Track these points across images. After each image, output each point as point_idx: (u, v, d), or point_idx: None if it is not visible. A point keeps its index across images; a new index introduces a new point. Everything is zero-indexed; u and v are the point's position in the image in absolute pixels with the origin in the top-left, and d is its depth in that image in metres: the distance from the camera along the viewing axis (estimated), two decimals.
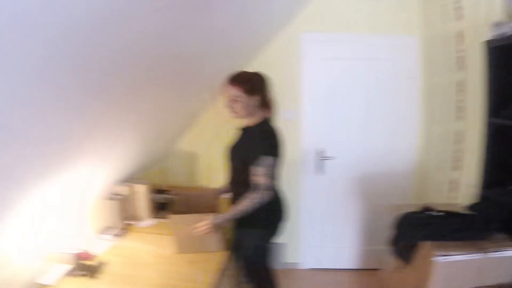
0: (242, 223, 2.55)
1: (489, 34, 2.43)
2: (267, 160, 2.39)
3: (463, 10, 2.99)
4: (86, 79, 1.49)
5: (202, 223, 2.40)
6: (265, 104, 2.55)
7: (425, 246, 2.23)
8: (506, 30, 2.28)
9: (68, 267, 2.25)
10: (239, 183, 2.53)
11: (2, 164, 1.46)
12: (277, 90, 3.14)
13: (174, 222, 2.49)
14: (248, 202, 2.37)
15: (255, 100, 2.47)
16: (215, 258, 2.47)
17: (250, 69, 2.68)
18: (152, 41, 1.79)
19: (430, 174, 3.76)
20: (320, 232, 4.13)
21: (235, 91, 2.43)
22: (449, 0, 3.15)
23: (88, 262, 2.34)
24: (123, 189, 2.94)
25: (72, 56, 1.26)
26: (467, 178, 2.98)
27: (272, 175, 2.46)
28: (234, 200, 2.55)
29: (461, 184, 3.11)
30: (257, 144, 2.45)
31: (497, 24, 2.38)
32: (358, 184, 4.03)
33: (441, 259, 2.07)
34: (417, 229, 2.36)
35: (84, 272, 2.25)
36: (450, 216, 2.46)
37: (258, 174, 2.38)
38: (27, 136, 1.46)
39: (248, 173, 2.43)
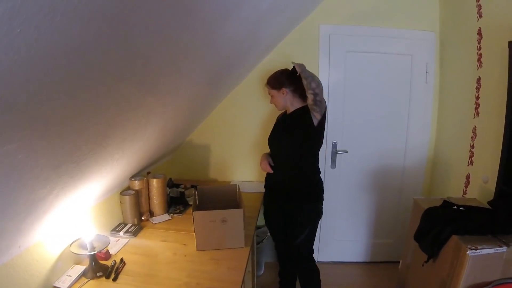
0: (297, 197, 2.93)
1: None
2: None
3: (483, 8, 2.97)
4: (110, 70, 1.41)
5: None
6: (299, 94, 2.89)
7: (455, 241, 2.21)
8: None
9: (84, 268, 2.15)
10: (290, 162, 2.93)
11: (33, 164, 1.41)
12: None
13: (197, 218, 2.39)
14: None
15: (284, 92, 2.88)
16: (238, 255, 2.39)
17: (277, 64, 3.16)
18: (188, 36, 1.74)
19: (444, 169, 3.77)
20: (332, 225, 4.09)
21: (269, 89, 2.98)
22: None
23: (105, 262, 2.25)
24: (137, 184, 2.84)
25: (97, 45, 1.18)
26: (481, 174, 3.00)
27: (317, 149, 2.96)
28: (284, 179, 2.97)
29: (476, 179, 3.11)
30: (308, 117, 2.79)
31: None
32: (370, 178, 4.02)
33: (473, 252, 2.06)
34: (445, 224, 2.34)
35: (101, 273, 2.14)
36: (473, 212, 2.47)
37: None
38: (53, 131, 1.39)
39: (298, 150, 2.87)
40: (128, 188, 2.86)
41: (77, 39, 1.05)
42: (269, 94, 2.99)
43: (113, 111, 1.70)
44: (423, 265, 2.49)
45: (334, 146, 3.89)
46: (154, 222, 2.87)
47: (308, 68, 3.24)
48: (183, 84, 2.29)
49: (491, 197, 2.65)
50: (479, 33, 3.01)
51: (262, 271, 3.97)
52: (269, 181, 3.12)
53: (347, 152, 3.92)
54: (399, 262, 3.17)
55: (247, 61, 3.40)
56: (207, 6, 1.65)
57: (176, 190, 3.35)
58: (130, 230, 2.65)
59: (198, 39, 1.89)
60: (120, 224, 2.73)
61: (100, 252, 2.21)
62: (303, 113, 2.83)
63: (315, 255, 3.13)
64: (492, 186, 2.68)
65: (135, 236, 2.63)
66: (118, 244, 2.49)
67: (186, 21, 1.59)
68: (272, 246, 3.97)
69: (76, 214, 2.26)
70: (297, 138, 2.84)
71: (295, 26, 3.66)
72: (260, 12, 2.40)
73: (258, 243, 3.74)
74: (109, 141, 1.93)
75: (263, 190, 3.22)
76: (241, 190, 2.86)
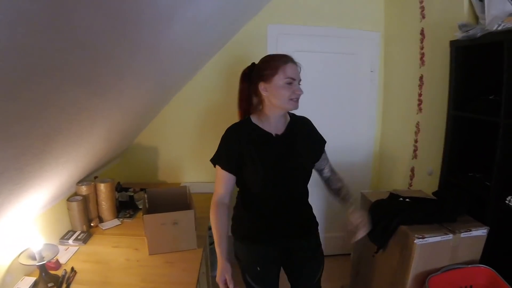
0: (312, 224, 2.50)
1: (454, 34, 2.54)
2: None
3: (426, 10, 3.13)
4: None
5: (359, 222, 2.10)
6: None
7: (403, 231, 2.31)
8: (472, 32, 2.39)
9: (35, 279, 2.08)
10: (303, 187, 2.32)
11: None
12: None
13: (148, 222, 2.36)
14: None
15: None
16: (192, 257, 2.39)
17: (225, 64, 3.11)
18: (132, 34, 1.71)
19: (390, 163, 3.92)
20: None
21: (298, 73, 2.11)
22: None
23: (55, 272, 2.18)
24: (84, 189, 2.77)
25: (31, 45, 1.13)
26: (425, 166, 3.17)
27: None
28: (295, 211, 2.29)
29: (420, 172, 3.27)
30: (317, 132, 2.43)
31: (463, 26, 2.49)
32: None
33: (420, 241, 2.16)
34: (393, 215, 2.42)
35: (52, 284, 2.07)
36: (419, 202, 2.58)
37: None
38: None
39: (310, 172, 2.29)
40: (76, 194, 2.78)
41: (20, 40, 1.03)
42: (294, 76, 2.07)
43: (57, 114, 1.65)
44: (373, 256, 2.58)
45: None
46: (104, 228, 2.80)
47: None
48: (129, 85, 2.24)
49: (435, 188, 2.77)
50: (422, 33, 3.16)
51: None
52: (264, 220, 2.24)
53: None
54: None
55: (194, 61, 3.37)
56: (152, 6, 1.64)
57: (125, 194, 3.29)
58: (79, 237, 2.58)
59: (143, 40, 1.87)
60: (69, 231, 2.65)
61: (49, 262, 2.13)
62: (307, 122, 2.43)
63: None
64: (436, 177, 2.81)
65: (85, 243, 2.57)
66: (68, 253, 2.43)
67: (131, 21, 1.57)
68: (227, 246, 3.98)
69: (23, 223, 2.18)
70: (311, 155, 2.32)
71: (242, 26, 3.68)
72: (206, 12, 2.40)
73: (211, 243, 3.72)
74: (53, 145, 1.87)
75: (213, 190, 3.17)
76: (191, 191, 2.84)
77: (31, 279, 2.08)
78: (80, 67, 1.51)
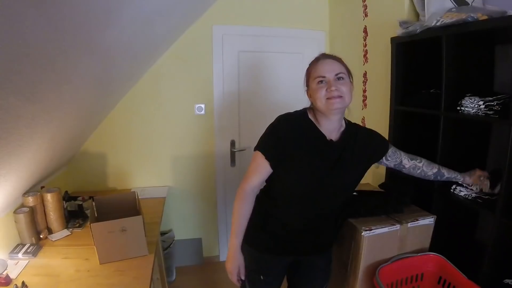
0: (330, 242, 2.32)
1: (396, 31, 2.64)
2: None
3: (368, 8, 3.24)
4: None
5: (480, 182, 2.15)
6: None
7: (350, 224, 2.35)
8: (411, 29, 2.47)
9: None
10: (339, 208, 2.21)
11: None
12: (189, 84, 3.05)
13: (96, 230, 2.32)
14: None
15: (352, 89, 1.91)
16: (144, 264, 2.37)
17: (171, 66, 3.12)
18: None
19: None
20: None
21: (341, 67, 1.88)
22: None
23: None
24: (30, 200, 2.69)
25: None
26: None
27: None
28: (324, 228, 2.18)
29: None
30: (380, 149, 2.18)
31: (404, 23, 2.59)
32: None
33: (368, 233, 2.21)
34: (340, 209, 2.44)
35: None
36: (367, 195, 2.65)
37: None
38: None
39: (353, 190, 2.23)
40: (23, 205, 2.70)
41: None
42: (336, 75, 1.83)
43: None
44: None
45: (232, 144, 3.94)
46: (53, 240, 2.74)
47: (203, 68, 3.20)
48: (67, 90, 2.18)
49: (382, 181, 2.84)
50: (365, 31, 3.27)
51: (174, 277, 3.94)
52: (285, 232, 2.09)
53: (244, 150, 4.02)
54: None
55: (137, 64, 3.33)
56: (85, 7, 1.60)
57: (74, 203, 3.21)
58: (29, 250, 2.52)
59: (78, 42, 1.82)
60: (18, 245, 2.58)
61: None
62: (374, 137, 2.19)
63: (220, 255, 3.07)
64: (382, 170, 2.87)
65: (35, 256, 2.51)
66: (18, 267, 2.36)
67: (63, 24, 1.53)
68: (182, 250, 3.96)
69: None
70: (360, 173, 2.11)
71: (188, 27, 3.68)
72: (147, 13, 2.37)
73: (165, 248, 3.71)
74: None
75: (164, 195, 3.15)
76: (143, 196, 2.82)
77: None
78: (12, 76, 1.47)
